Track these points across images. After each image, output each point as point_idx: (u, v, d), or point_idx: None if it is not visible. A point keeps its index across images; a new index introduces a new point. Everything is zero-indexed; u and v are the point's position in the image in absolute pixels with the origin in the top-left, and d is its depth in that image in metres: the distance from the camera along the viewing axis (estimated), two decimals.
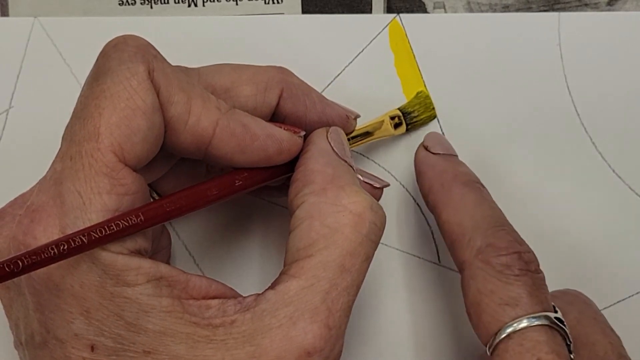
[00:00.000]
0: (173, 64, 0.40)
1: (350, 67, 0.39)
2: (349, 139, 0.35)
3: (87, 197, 0.28)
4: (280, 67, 0.34)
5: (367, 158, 0.39)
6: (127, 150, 0.28)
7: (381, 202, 0.39)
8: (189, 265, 0.40)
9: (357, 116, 0.36)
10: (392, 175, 0.39)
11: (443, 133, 0.39)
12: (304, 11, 0.40)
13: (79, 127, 0.29)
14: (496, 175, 0.39)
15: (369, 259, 0.30)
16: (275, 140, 0.31)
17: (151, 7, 0.40)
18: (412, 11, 0.40)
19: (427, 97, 0.39)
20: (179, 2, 0.40)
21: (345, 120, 0.35)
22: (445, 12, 0.40)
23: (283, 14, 0.40)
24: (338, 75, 0.39)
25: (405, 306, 0.40)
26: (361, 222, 0.30)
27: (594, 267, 0.39)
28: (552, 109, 0.39)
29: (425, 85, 0.39)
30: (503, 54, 0.39)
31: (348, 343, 0.40)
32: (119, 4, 0.40)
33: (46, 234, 0.28)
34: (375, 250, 0.31)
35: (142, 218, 0.28)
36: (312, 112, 0.34)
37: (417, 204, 0.39)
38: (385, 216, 0.31)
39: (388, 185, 0.35)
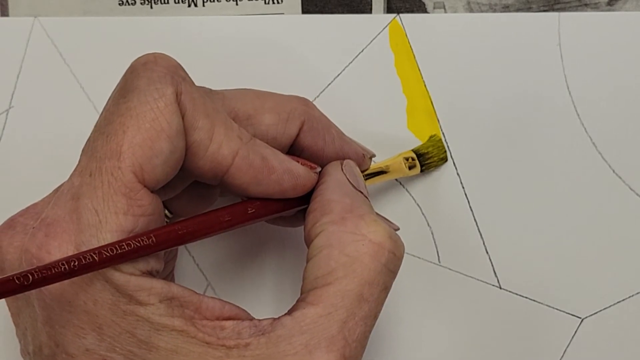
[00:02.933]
0: None
1: (351, 67, 0.39)
2: (363, 177, 0.35)
3: (103, 215, 0.28)
4: (304, 99, 0.34)
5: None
6: (147, 172, 0.28)
7: (381, 201, 0.39)
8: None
9: (373, 155, 0.37)
10: None
11: (443, 134, 0.39)
12: (304, 11, 0.40)
13: (101, 143, 0.28)
14: (496, 175, 0.39)
15: (387, 289, 0.30)
16: (292, 175, 0.31)
17: (151, 7, 0.40)
18: (412, 11, 0.40)
19: (440, 140, 0.39)
20: (179, 2, 0.40)
21: (361, 159, 0.35)
22: (445, 12, 0.40)
23: (283, 14, 0.40)
24: (338, 75, 0.39)
25: (405, 306, 0.40)
26: (380, 251, 0.30)
27: (594, 267, 0.39)
28: (552, 109, 0.39)
29: (425, 85, 0.39)
30: (503, 54, 0.39)
31: None
32: (119, 4, 0.40)
33: (61, 249, 0.28)
34: (393, 280, 0.31)
35: (154, 240, 0.28)
36: (330, 147, 0.34)
37: (417, 204, 0.39)
38: (404, 247, 0.31)
39: (398, 229, 0.35)
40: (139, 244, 0.28)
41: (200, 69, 0.40)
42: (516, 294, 0.39)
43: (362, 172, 0.35)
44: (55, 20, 0.40)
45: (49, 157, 0.40)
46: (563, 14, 0.39)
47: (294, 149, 0.34)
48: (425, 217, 0.39)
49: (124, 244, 0.28)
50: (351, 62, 0.39)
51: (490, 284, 0.39)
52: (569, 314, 0.39)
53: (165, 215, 0.33)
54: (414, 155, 0.38)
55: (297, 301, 0.30)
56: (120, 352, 0.28)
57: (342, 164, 0.33)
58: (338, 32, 0.39)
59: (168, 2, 0.40)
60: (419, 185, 0.39)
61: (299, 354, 0.28)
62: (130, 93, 0.29)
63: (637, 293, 0.39)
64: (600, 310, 0.39)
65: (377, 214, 0.34)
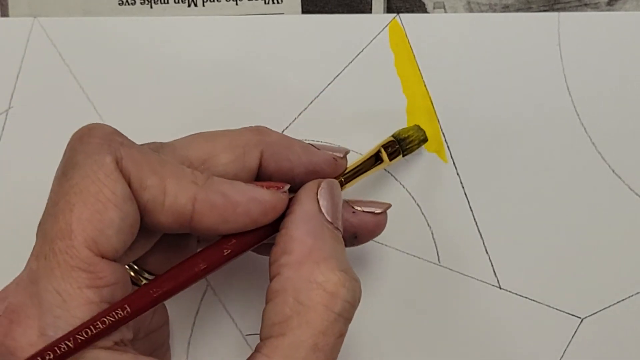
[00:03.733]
0: (172, 64, 0.40)
1: (350, 67, 0.39)
2: (344, 180, 0.35)
3: (67, 294, 0.27)
4: (257, 128, 0.34)
5: None
6: (102, 244, 0.28)
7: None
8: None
9: (346, 152, 0.35)
10: (391, 175, 0.39)
11: (443, 133, 0.39)
12: (304, 11, 0.40)
13: (51, 225, 0.28)
14: (496, 175, 0.39)
15: (342, 335, 0.30)
16: (258, 202, 0.30)
17: (151, 7, 0.40)
18: (412, 11, 0.40)
19: (419, 126, 0.38)
20: (179, 2, 0.40)
21: (333, 164, 0.34)
22: (445, 12, 0.40)
23: (283, 14, 0.40)
24: (338, 75, 0.39)
25: (405, 306, 0.40)
26: (334, 300, 0.29)
27: (594, 267, 0.39)
28: (552, 109, 0.39)
29: (425, 85, 0.39)
30: (503, 54, 0.39)
31: (347, 343, 0.40)
32: (119, 4, 0.40)
33: (25, 335, 0.27)
34: (348, 326, 0.30)
35: (129, 310, 0.28)
36: (298, 165, 0.33)
37: (417, 204, 0.39)
38: (360, 292, 0.31)
39: (389, 206, 0.35)
40: (113, 319, 0.27)
41: (200, 69, 0.40)
42: (516, 294, 0.39)
43: (341, 175, 0.35)
44: (55, 20, 0.40)
45: (49, 157, 0.40)
46: (563, 14, 0.39)
47: (262, 179, 0.33)
48: (425, 217, 0.39)
49: (97, 322, 0.27)
50: (351, 62, 0.39)
51: (490, 284, 0.39)
52: (569, 314, 0.39)
53: (145, 278, 0.33)
54: (394, 140, 0.37)
55: (255, 351, 0.30)
56: None
57: (318, 187, 0.32)
58: (338, 32, 0.39)
59: (168, 2, 0.40)
60: (419, 186, 0.39)
61: None
62: (71, 170, 0.29)
63: (637, 293, 0.39)
64: (600, 310, 0.39)
65: (362, 202, 0.34)
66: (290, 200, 0.32)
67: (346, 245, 0.34)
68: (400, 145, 0.37)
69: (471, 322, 0.39)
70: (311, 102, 0.39)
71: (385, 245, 0.40)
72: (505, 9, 0.39)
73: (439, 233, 0.39)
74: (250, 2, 0.40)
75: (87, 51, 0.40)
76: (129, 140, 0.30)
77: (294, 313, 0.29)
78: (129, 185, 0.29)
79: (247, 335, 0.40)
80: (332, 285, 0.30)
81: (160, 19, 0.40)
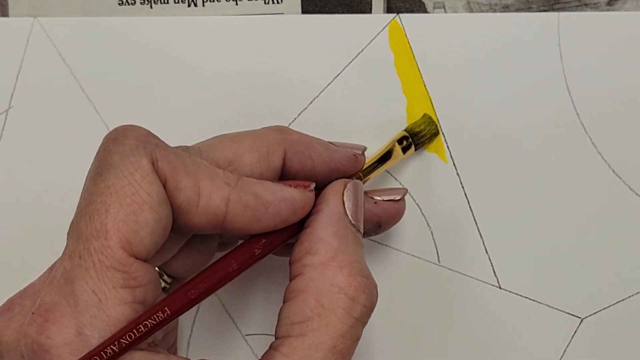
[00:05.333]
0: (172, 64, 0.40)
1: (350, 67, 0.39)
2: (362, 176, 0.35)
3: (102, 293, 0.28)
4: (278, 127, 0.34)
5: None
6: (136, 245, 0.28)
7: None
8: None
9: (364, 149, 0.36)
10: (391, 175, 0.39)
11: (443, 133, 0.39)
12: (304, 11, 0.40)
13: (85, 224, 0.28)
14: (496, 175, 0.39)
15: (358, 339, 0.31)
16: (288, 202, 0.31)
17: (151, 7, 0.40)
18: (412, 11, 0.40)
19: (430, 117, 0.39)
20: (179, 2, 0.40)
21: (353, 160, 0.35)
22: (445, 12, 0.40)
23: (283, 14, 0.40)
24: (338, 75, 0.39)
25: (405, 306, 0.40)
26: (354, 305, 0.30)
27: (594, 267, 0.39)
28: (552, 109, 0.39)
29: (425, 85, 0.39)
30: (503, 54, 0.39)
31: None
32: (119, 4, 0.40)
33: (61, 334, 0.28)
34: (363, 329, 0.31)
35: (169, 312, 0.28)
36: (320, 163, 0.34)
37: (417, 204, 0.39)
38: (377, 296, 0.32)
39: (406, 191, 0.36)
40: (155, 321, 0.28)
41: (199, 69, 0.40)
42: (516, 294, 0.39)
43: (360, 171, 0.35)
44: (55, 20, 0.40)
45: (49, 157, 0.40)
46: (563, 14, 0.39)
47: (285, 176, 0.34)
48: (425, 217, 0.39)
49: (140, 325, 0.28)
50: (351, 62, 0.39)
51: (490, 284, 0.39)
52: (569, 314, 0.39)
53: (165, 281, 0.33)
54: (407, 135, 0.38)
55: (271, 348, 0.30)
56: None
57: (344, 187, 0.33)
58: (338, 32, 0.39)
59: (168, 2, 0.40)
60: (419, 185, 0.39)
61: None
62: (107, 171, 0.29)
63: (637, 293, 0.39)
64: (600, 310, 0.39)
65: (380, 190, 0.35)
66: (316, 198, 0.33)
67: (370, 235, 0.36)
68: (413, 140, 0.38)
69: (471, 322, 0.39)
70: (311, 102, 0.39)
71: (385, 245, 0.40)
72: (505, 9, 0.39)
73: (439, 233, 0.39)
74: (250, 2, 0.40)
75: (87, 51, 0.40)
76: (163, 141, 0.31)
77: (314, 314, 0.30)
78: (164, 186, 0.29)
79: (247, 335, 0.40)
80: (353, 291, 0.30)
81: (160, 19, 0.40)
